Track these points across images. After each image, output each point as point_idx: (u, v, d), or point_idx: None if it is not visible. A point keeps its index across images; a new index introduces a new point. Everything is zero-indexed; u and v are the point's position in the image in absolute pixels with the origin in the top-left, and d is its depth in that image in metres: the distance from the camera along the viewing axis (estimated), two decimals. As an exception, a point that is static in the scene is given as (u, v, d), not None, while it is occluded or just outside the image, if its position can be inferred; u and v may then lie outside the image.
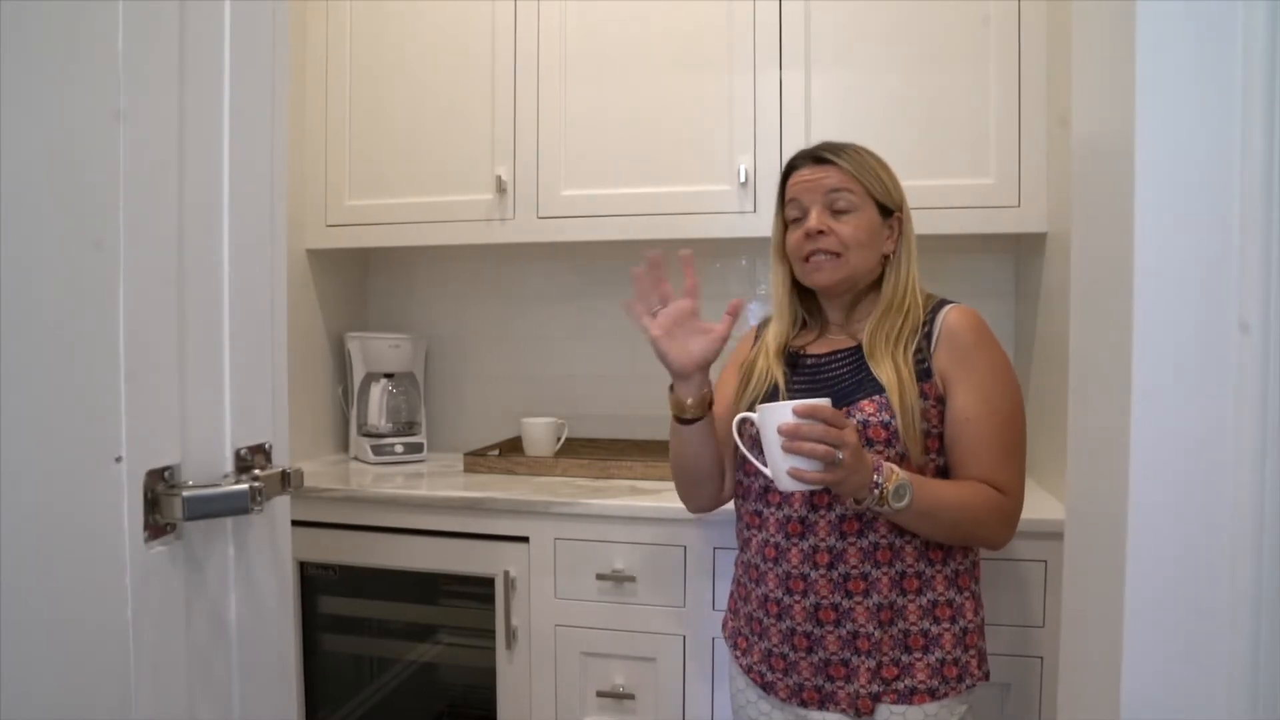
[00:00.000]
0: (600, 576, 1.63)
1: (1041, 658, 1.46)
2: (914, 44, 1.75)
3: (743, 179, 1.81)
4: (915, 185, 1.71)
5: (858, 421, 1.12)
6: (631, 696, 1.63)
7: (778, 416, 1.03)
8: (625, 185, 1.88)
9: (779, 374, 1.23)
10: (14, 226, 0.57)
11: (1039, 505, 1.59)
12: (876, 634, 1.13)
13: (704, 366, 1.18)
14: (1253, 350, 0.57)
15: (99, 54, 0.64)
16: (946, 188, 1.73)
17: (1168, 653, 0.60)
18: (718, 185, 1.83)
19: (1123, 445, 0.61)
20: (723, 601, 1.57)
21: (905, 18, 1.75)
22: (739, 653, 1.26)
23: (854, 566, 1.13)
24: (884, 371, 1.14)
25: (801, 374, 1.24)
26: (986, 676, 1.18)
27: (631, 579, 1.62)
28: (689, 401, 1.20)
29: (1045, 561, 1.46)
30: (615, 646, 1.63)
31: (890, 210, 1.21)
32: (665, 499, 1.64)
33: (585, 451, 2.01)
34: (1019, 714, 1.47)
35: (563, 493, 1.71)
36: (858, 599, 1.13)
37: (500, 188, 1.92)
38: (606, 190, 1.89)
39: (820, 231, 1.17)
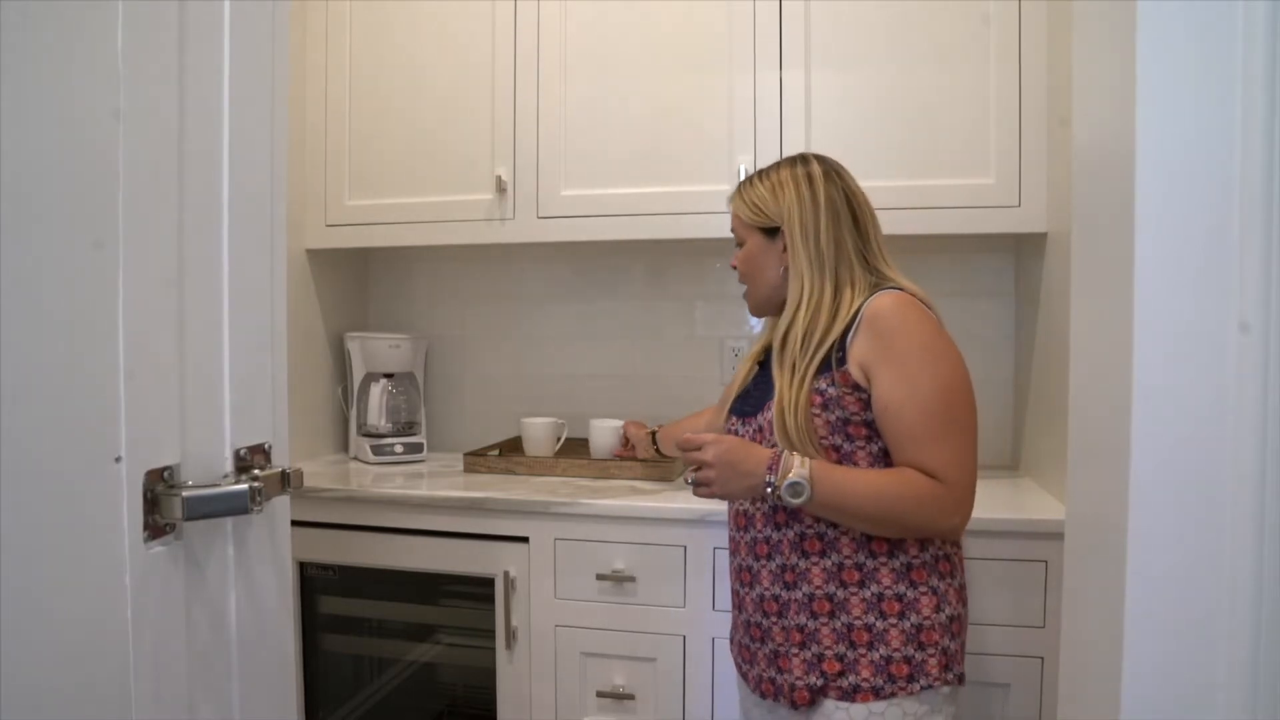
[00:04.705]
0: (600, 576, 1.62)
1: (1042, 658, 1.46)
2: (914, 44, 1.75)
3: (743, 179, 1.80)
4: (915, 185, 1.73)
5: (756, 425, 1.20)
6: (631, 697, 1.62)
7: None
8: (625, 185, 1.88)
9: (741, 377, 1.34)
10: (14, 226, 0.57)
11: (1039, 505, 1.59)
12: (810, 625, 1.13)
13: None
14: (1253, 350, 0.57)
15: (99, 54, 0.64)
16: (946, 187, 1.73)
17: (1168, 653, 0.60)
18: (718, 185, 1.83)
19: (1123, 445, 0.61)
20: (722, 601, 1.58)
21: (905, 17, 1.75)
22: (731, 641, 1.30)
23: (787, 558, 1.16)
24: (776, 374, 1.18)
25: (763, 374, 1.29)
26: (959, 680, 1.13)
27: (631, 579, 1.62)
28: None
29: (1045, 561, 1.46)
30: (615, 646, 1.63)
31: (775, 229, 1.25)
32: (665, 499, 1.64)
33: (585, 451, 2.01)
34: (1019, 714, 1.47)
35: (563, 493, 1.71)
36: (792, 590, 1.15)
37: (500, 188, 1.92)
38: (606, 190, 1.89)
39: (735, 267, 1.33)
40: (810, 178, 1.24)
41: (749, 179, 1.31)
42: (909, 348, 1.12)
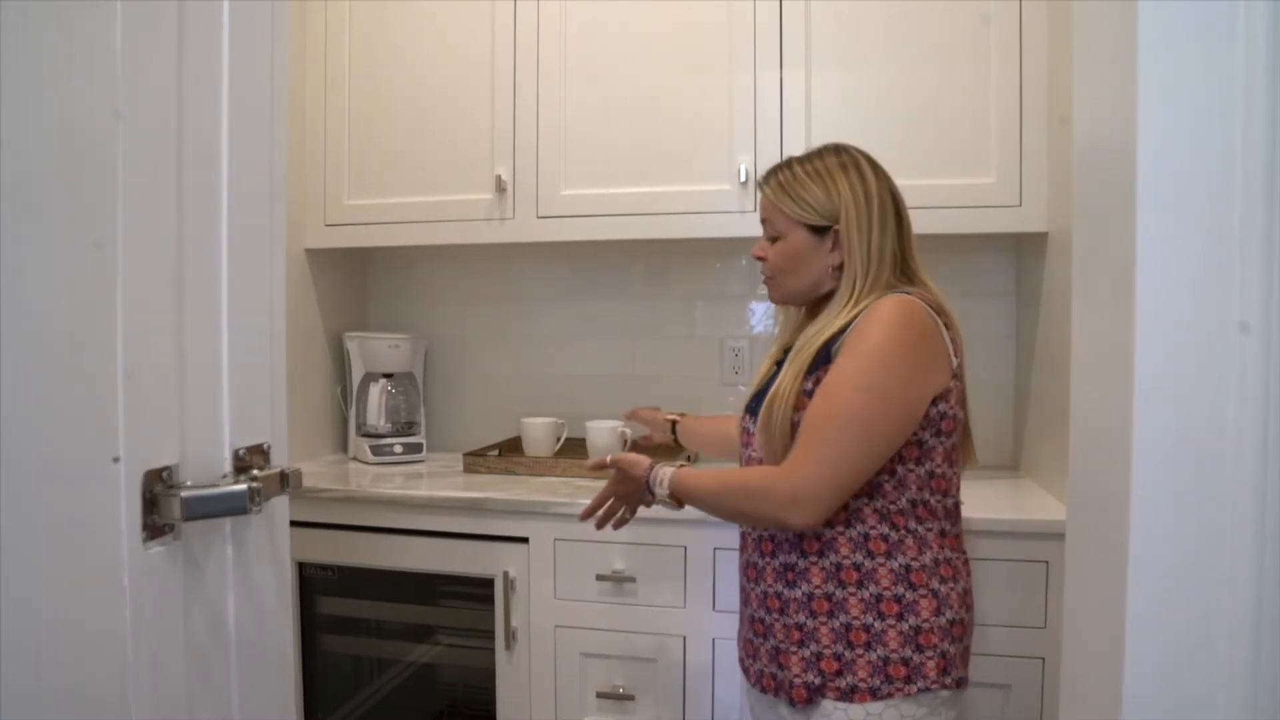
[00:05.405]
0: (600, 577, 1.62)
1: (1042, 658, 1.46)
2: (915, 43, 1.75)
3: (743, 178, 1.81)
4: (916, 184, 1.71)
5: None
6: (631, 697, 1.62)
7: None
8: (625, 185, 1.88)
9: (763, 373, 1.31)
10: (14, 226, 0.57)
11: (1039, 505, 1.59)
12: (809, 623, 1.13)
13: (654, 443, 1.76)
14: (1253, 350, 0.57)
15: (99, 54, 0.64)
16: (947, 187, 1.73)
17: (1168, 653, 0.60)
18: (718, 185, 1.83)
19: (1123, 445, 0.61)
20: (722, 602, 1.58)
21: (906, 16, 1.75)
22: (737, 637, 1.30)
23: (788, 555, 1.16)
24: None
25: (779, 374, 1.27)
26: (959, 684, 1.12)
27: (631, 579, 1.61)
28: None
29: (1046, 562, 1.46)
30: (615, 647, 1.63)
31: (825, 227, 1.19)
32: (665, 499, 1.64)
33: (585, 452, 2.01)
34: (1020, 715, 1.47)
35: (562, 493, 1.71)
36: (793, 588, 1.15)
37: (500, 187, 1.92)
38: (606, 190, 1.89)
39: (760, 257, 1.27)
40: (860, 172, 1.19)
41: (787, 166, 1.24)
42: (866, 347, 1.09)
